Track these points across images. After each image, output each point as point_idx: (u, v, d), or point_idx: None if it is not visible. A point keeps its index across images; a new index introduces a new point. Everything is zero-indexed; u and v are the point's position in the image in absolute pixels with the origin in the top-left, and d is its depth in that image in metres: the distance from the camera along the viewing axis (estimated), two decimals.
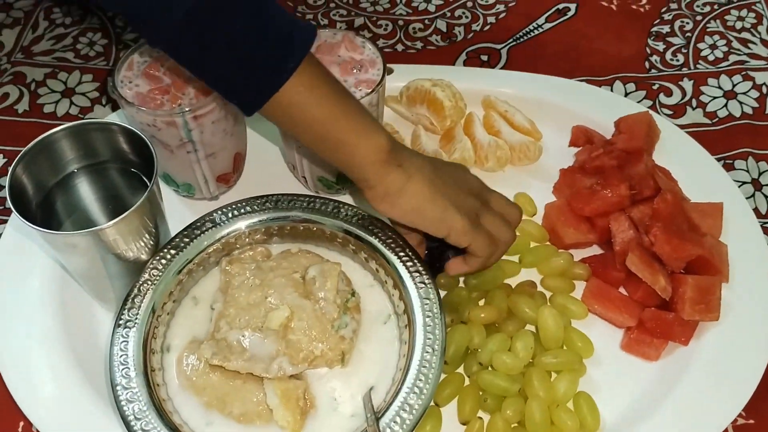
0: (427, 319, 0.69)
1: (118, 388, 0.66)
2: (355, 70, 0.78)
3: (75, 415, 0.71)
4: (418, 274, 0.72)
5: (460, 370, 0.75)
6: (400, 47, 1.07)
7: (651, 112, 0.91)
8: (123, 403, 0.65)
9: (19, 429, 0.73)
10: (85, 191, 0.74)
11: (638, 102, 0.98)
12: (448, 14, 1.12)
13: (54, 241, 0.66)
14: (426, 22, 1.11)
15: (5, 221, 0.86)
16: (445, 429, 0.71)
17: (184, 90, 0.76)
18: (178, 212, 0.83)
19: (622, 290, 0.80)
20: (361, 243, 0.75)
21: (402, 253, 0.73)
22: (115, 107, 0.99)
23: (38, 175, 0.70)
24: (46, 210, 0.70)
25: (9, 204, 0.64)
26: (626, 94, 1.00)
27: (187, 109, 0.73)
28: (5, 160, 0.94)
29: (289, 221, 0.77)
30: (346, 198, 0.87)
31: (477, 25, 1.10)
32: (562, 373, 0.74)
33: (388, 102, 0.93)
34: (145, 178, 0.72)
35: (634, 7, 1.12)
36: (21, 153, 0.68)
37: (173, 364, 0.70)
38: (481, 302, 0.79)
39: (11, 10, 1.11)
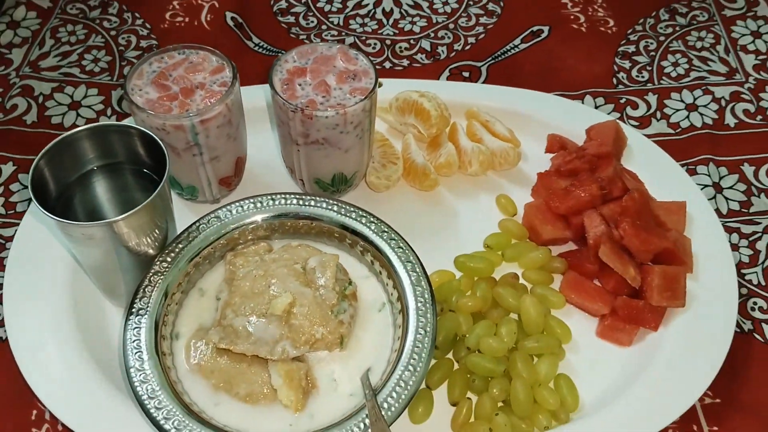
0: (419, 305, 0.75)
1: (132, 370, 0.71)
2: (350, 79, 0.84)
3: (87, 400, 0.75)
4: (410, 264, 0.78)
5: (450, 356, 0.81)
6: (387, 64, 1.15)
7: (618, 121, 0.98)
8: (137, 384, 0.70)
9: (32, 417, 0.77)
10: (101, 188, 0.79)
11: (607, 114, 1.06)
12: (432, 35, 1.20)
13: (71, 231, 0.71)
14: (411, 41, 1.19)
15: (15, 224, 0.91)
16: (436, 410, 0.77)
17: (192, 97, 0.82)
18: (182, 214, 0.88)
19: (596, 282, 0.87)
20: (356, 237, 0.81)
21: (395, 245, 0.79)
22: (120, 119, 1.04)
23: (59, 171, 0.75)
24: (64, 203, 0.76)
25: (30, 194, 0.69)
26: (596, 107, 1.08)
27: (194, 113, 0.79)
28: (15, 167, 0.98)
29: (289, 218, 0.83)
30: (342, 199, 0.93)
31: (458, 45, 1.18)
32: (543, 357, 0.80)
33: (378, 113, 1.00)
34: (156, 178, 0.78)
35: (602, 29, 1.21)
36: (45, 148, 0.73)
37: (182, 349, 0.76)
38: (468, 293, 0.85)
39: (18, 28, 1.16)
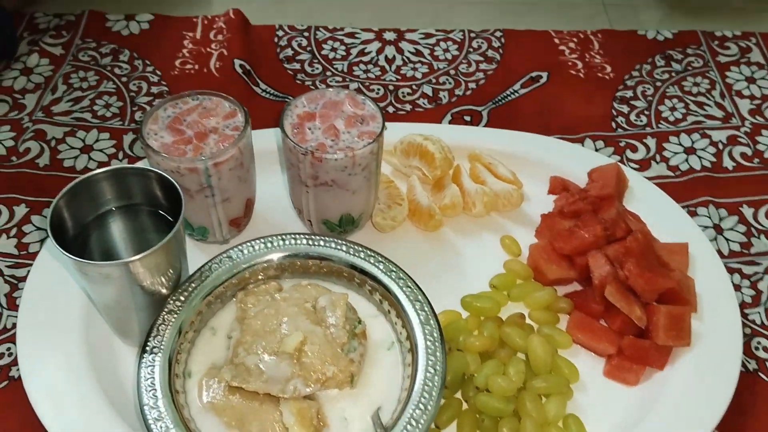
0: (428, 343, 0.76)
1: (146, 408, 0.71)
2: (357, 123, 0.87)
3: None
4: (418, 303, 0.79)
5: (458, 395, 0.82)
6: (391, 109, 1.18)
7: (619, 164, 1.01)
8: (151, 422, 0.70)
9: None
10: (117, 228, 0.81)
11: (608, 157, 1.09)
12: (434, 80, 1.23)
13: (88, 270, 0.72)
14: (413, 87, 1.22)
15: (28, 264, 0.92)
16: None
17: (205, 140, 0.84)
18: (192, 254, 0.89)
19: (602, 322, 0.88)
20: (365, 276, 0.82)
21: (403, 284, 0.80)
22: (131, 162, 1.06)
23: (77, 211, 0.77)
24: (80, 243, 0.77)
25: (48, 233, 0.71)
26: (596, 150, 1.11)
27: (208, 156, 0.81)
28: (28, 209, 1.00)
29: (299, 258, 0.84)
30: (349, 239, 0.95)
31: (460, 90, 1.21)
32: (551, 397, 0.80)
33: (383, 155, 1.02)
34: (171, 219, 0.79)
35: (600, 75, 1.25)
36: (65, 189, 0.75)
37: (194, 387, 0.76)
38: (475, 333, 0.86)
39: (32, 74, 1.19)
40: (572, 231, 0.91)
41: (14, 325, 0.86)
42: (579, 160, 1.03)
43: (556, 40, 1.31)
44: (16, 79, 1.19)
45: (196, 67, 1.23)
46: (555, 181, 1.00)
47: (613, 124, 1.16)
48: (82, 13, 1.31)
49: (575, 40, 1.31)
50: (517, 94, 1.21)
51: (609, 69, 1.25)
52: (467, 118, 1.17)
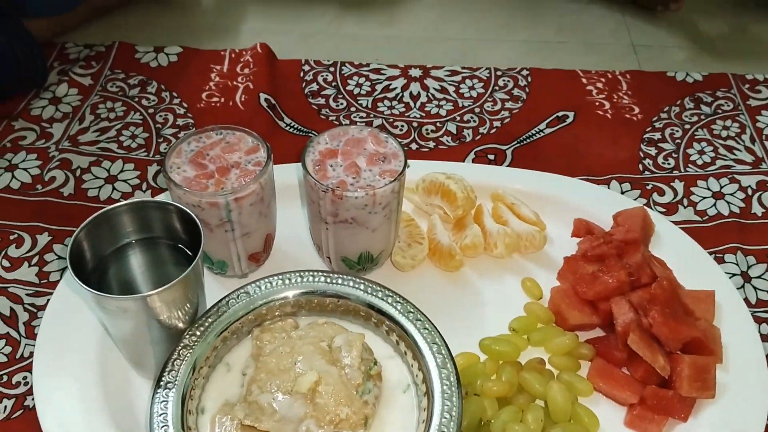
0: (444, 387, 0.75)
1: None
2: (379, 161, 0.86)
3: None
4: (435, 346, 0.78)
5: None
6: (414, 146, 1.17)
7: (645, 207, 0.99)
8: None
9: None
10: (136, 261, 0.81)
11: (634, 200, 1.07)
12: (458, 118, 1.23)
13: (106, 304, 0.72)
14: (438, 124, 1.22)
15: (48, 293, 0.93)
16: None
17: (227, 175, 0.84)
18: (210, 287, 0.89)
19: (624, 370, 0.86)
20: (382, 316, 0.81)
21: (420, 326, 0.79)
22: (154, 194, 1.07)
23: (97, 243, 0.77)
24: (99, 275, 0.77)
25: (68, 265, 0.71)
26: (622, 193, 1.09)
27: (229, 191, 0.81)
28: (50, 237, 1.01)
29: (316, 295, 0.83)
30: (368, 277, 0.94)
31: (484, 129, 1.21)
32: None
33: (404, 193, 1.02)
34: (190, 253, 0.79)
35: (627, 116, 1.23)
36: (85, 222, 0.75)
37: (207, 424, 0.75)
38: (493, 377, 0.84)
39: (60, 104, 1.21)
40: (596, 275, 0.89)
41: (31, 354, 0.86)
42: (604, 203, 1.02)
43: (584, 80, 1.30)
44: (45, 108, 1.21)
45: (222, 100, 1.24)
46: (579, 223, 0.99)
47: (640, 167, 1.14)
48: (112, 45, 1.34)
49: (603, 80, 1.30)
50: (542, 134, 1.20)
51: (637, 110, 1.24)
52: (491, 157, 1.16)
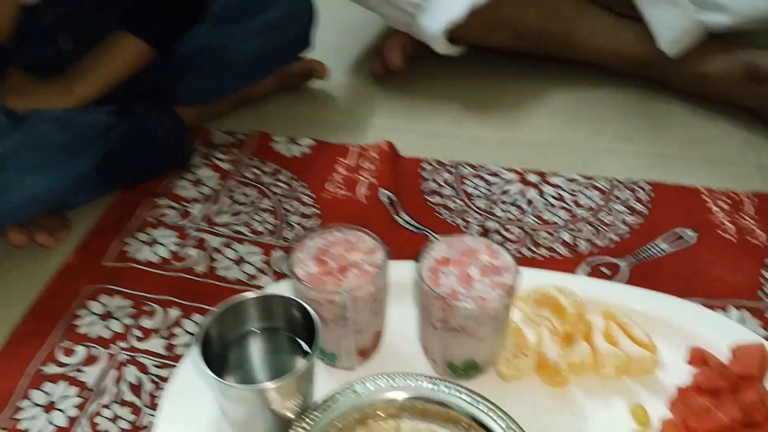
0: None
1: None
2: (492, 273, 0.89)
3: None
4: None
5: None
6: (527, 252, 1.19)
7: (766, 342, 0.95)
8: None
9: None
10: (256, 348, 0.87)
11: (752, 331, 1.03)
12: (574, 227, 1.24)
13: (226, 391, 0.78)
14: (552, 232, 1.23)
15: (172, 365, 1.00)
16: None
17: (346, 273, 0.89)
18: (319, 377, 0.93)
19: None
20: (484, 430, 0.82)
21: None
22: (278, 278, 1.14)
23: (222, 330, 0.84)
24: (220, 358, 0.84)
25: (197, 350, 0.77)
26: (740, 319, 1.06)
27: (347, 290, 0.86)
28: (180, 312, 1.09)
29: (420, 400, 0.86)
30: (471, 385, 0.95)
31: (600, 240, 1.21)
32: None
33: (514, 301, 1.03)
34: (305, 346, 0.84)
35: (749, 238, 1.20)
36: (215, 311, 0.82)
37: None
38: None
39: (200, 186, 1.32)
40: (708, 410, 0.86)
41: (150, 424, 0.92)
42: (721, 332, 0.98)
43: (706, 198, 1.28)
44: (187, 189, 1.32)
45: (346, 192, 1.31)
46: (695, 352, 0.96)
47: (761, 294, 1.10)
48: (252, 133, 1.45)
49: (728, 201, 1.28)
50: (661, 252, 1.19)
51: (760, 233, 1.21)
52: (605, 270, 1.16)
